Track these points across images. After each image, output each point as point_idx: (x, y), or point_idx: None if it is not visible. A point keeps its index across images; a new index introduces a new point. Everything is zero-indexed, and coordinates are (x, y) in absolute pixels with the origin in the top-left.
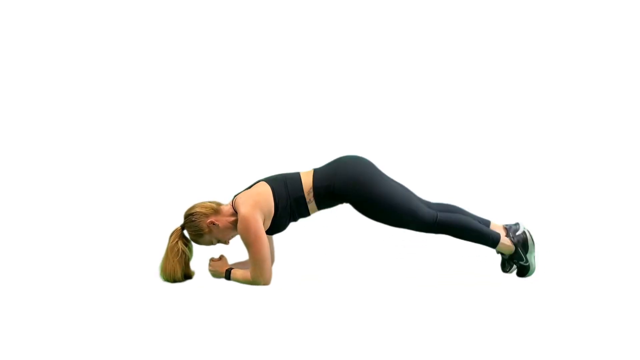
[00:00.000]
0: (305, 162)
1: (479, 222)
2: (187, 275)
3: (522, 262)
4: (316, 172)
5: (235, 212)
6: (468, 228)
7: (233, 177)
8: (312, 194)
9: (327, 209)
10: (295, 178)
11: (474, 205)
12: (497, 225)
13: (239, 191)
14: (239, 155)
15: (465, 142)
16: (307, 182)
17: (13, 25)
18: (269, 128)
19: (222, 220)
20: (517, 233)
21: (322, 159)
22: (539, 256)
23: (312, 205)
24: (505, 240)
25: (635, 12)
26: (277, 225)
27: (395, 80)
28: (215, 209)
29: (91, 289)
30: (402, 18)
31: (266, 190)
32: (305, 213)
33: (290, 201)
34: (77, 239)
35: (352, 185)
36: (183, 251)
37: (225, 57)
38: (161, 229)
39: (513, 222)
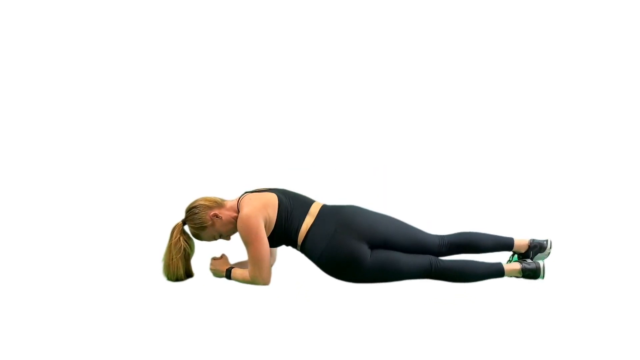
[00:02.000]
0: (305, 161)
1: (499, 241)
2: (188, 273)
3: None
4: (316, 223)
5: (238, 210)
6: (467, 274)
7: (232, 177)
8: (299, 248)
9: None
10: (299, 214)
11: (480, 208)
12: (522, 240)
13: (250, 190)
14: (238, 155)
15: (469, 144)
16: (305, 228)
17: (13, 26)
18: (269, 127)
19: (225, 214)
20: (531, 266)
21: (323, 158)
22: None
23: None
24: (511, 269)
25: (636, 12)
26: (271, 241)
27: (400, 81)
28: (219, 203)
29: (92, 288)
30: (405, 19)
31: (273, 204)
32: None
33: (282, 234)
34: (77, 238)
35: (332, 272)
36: (184, 247)
37: (225, 57)
38: (161, 228)
39: (543, 239)
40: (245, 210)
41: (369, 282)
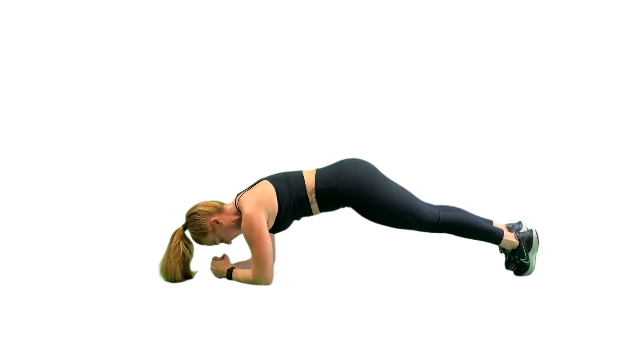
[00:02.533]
0: (306, 161)
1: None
2: (188, 275)
3: (522, 259)
4: (319, 172)
5: (238, 211)
6: (471, 226)
7: (234, 177)
8: (314, 195)
9: (329, 211)
10: (298, 177)
11: (476, 206)
12: (499, 224)
13: (242, 190)
14: (239, 155)
15: (466, 142)
16: (310, 183)
17: (13, 26)
18: (269, 127)
19: (226, 219)
20: (522, 230)
21: (323, 158)
22: (540, 257)
23: (314, 206)
24: (508, 237)
25: (636, 12)
26: (280, 223)
27: (397, 80)
28: (219, 208)
29: (92, 289)
30: (405, 18)
31: (269, 190)
32: (309, 213)
33: (293, 200)
34: (78, 240)
35: (355, 188)
36: (184, 252)
37: (226, 57)
38: (162, 228)
39: (515, 222)
40: (246, 210)
41: (391, 209)
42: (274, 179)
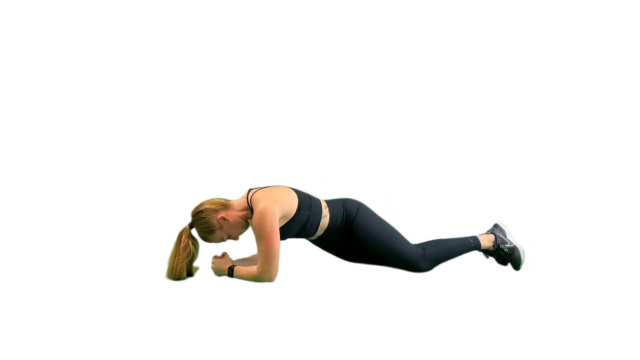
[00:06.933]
0: (305, 162)
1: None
2: (190, 272)
3: (507, 245)
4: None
5: (247, 207)
6: (452, 246)
7: (234, 179)
8: (327, 209)
9: (327, 237)
10: (317, 199)
11: (472, 208)
12: (484, 235)
13: (254, 187)
14: (240, 157)
15: (464, 144)
16: (324, 203)
17: (13, 26)
18: (269, 129)
19: (233, 215)
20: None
21: (323, 159)
22: (538, 256)
23: (324, 220)
24: (483, 237)
25: (636, 12)
26: (284, 230)
27: (396, 83)
28: (224, 205)
29: (93, 288)
30: (402, 22)
31: (292, 196)
32: (313, 230)
33: (310, 212)
34: (80, 240)
35: (357, 208)
36: (192, 251)
37: (229, 58)
38: (163, 227)
39: (490, 227)
40: (263, 204)
41: (374, 241)
42: (297, 191)
